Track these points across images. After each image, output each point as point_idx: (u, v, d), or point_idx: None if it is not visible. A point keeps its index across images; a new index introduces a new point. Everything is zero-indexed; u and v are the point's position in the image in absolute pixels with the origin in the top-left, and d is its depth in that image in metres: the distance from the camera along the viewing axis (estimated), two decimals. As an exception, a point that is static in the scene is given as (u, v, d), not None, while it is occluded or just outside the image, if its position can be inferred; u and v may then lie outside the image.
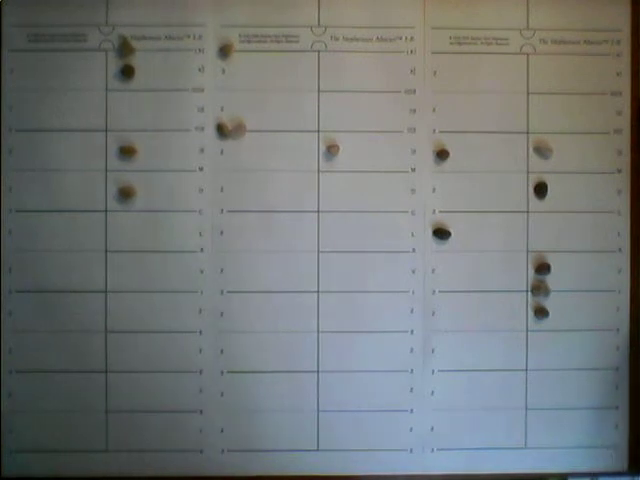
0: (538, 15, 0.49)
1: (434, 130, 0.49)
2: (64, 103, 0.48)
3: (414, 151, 0.49)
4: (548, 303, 0.49)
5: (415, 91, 0.49)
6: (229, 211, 0.49)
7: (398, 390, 0.49)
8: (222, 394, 0.48)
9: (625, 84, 0.49)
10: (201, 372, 0.48)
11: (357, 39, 0.49)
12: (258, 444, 0.48)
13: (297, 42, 0.49)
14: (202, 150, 0.49)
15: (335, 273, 0.49)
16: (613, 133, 0.49)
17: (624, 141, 0.49)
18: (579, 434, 0.49)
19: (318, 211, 0.49)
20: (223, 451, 0.49)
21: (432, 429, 0.49)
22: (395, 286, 0.49)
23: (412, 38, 0.49)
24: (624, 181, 0.49)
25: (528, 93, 0.49)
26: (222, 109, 0.49)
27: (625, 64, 0.49)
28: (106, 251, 0.48)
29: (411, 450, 0.49)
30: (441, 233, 0.49)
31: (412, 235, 0.49)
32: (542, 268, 0.49)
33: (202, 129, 0.49)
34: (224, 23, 0.49)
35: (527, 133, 0.49)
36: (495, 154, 0.49)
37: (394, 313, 0.49)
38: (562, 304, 0.49)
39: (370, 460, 0.49)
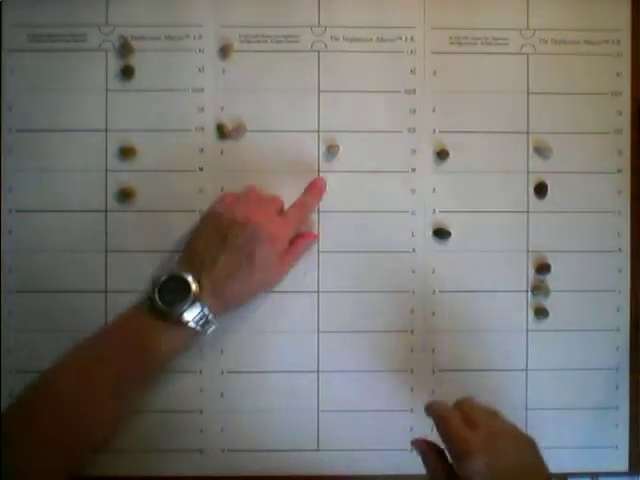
0: (538, 15, 0.49)
1: (434, 130, 0.49)
2: (64, 103, 0.48)
3: (414, 151, 0.49)
4: (548, 303, 0.49)
5: (415, 91, 0.49)
6: (229, 211, 0.49)
7: (398, 390, 0.49)
8: (222, 394, 0.48)
9: (625, 84, 0.49)
10: (201, 372, 0.48)
11: (357, 39, 0.49)
12: (258, 444, 0.48)
13: (297, 42, 0.49)
14: (202, 150, 0.49)
15: (335, 273, 0.49)
16: (613, 133, 0.49)
17: (624, 141, 0.49)
18: (579, 434, 0.49)
19: (318, 211, 0.49)
20: (223, 451, 0.48)
21: (432, 429, 0.49)
22: (395, 286, 0.49)
23: (412, 38, 0.49)
24: (624, 181, 0.49)
25: (528, 93, 0.49)
26: (222, 109, 0.49)
27: (625, 64, 0.49)
28: (106, 251, 0.48)
29: (411, 450, 0.49)
30: (441, 233, 0.49)
31: (412, 235, 0.49)
32: (542, 268, 0.49)
33: (202, 129, 0.49)
34: (224, 23, 0.49)
35: (527, 133, 0.49)
36: (495, 154, 0.49)
37: (394, 313, 0.49)
38: (562, 304, 0.49)
39: (370, 460, 0.49)
